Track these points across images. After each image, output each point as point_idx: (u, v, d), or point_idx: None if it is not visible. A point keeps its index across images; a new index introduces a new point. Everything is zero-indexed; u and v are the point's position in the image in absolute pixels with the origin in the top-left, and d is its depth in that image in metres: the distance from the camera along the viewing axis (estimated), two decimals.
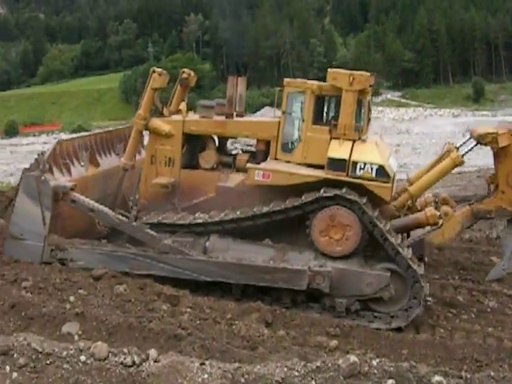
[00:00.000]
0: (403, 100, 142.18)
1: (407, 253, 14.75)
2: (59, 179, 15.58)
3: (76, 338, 11.47)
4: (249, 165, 15.79)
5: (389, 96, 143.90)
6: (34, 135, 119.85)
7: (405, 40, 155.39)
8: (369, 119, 16.29)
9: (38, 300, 12.61)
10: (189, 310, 13.38)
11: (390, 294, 14.59)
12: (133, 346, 10.25)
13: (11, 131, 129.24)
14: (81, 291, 13.48)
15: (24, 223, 15.18)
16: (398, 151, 66.89)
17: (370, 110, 16.34)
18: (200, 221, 15.60)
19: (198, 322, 12.73)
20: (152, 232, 15.33)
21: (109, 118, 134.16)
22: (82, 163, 16.77)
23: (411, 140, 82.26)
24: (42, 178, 15.04)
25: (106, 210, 15.54)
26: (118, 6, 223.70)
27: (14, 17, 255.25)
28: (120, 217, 15.57)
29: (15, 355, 9.44)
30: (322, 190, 14.69)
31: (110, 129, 19.54)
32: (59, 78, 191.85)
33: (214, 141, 17.19)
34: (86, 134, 18.15)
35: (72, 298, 12.96)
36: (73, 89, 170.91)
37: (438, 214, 15.77)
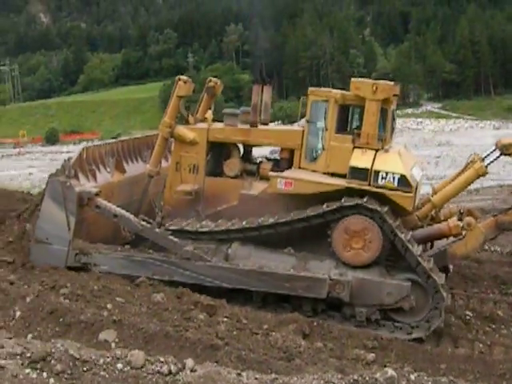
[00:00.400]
0: (443, 111, 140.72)
1: (428, 263, 14.63)
2: (84, 185, 15.76)
3: (113, 345, 11.47)
4: (271, 173, 15.85)
5: (429, 107, 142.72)
6: (74, 143, 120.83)
7: (446, 51, 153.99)
8: (393, 128, 16.21)
9: (75, 307, 12.66)
10: (226, 319, 13.33)
11: (410, 304, 14.50)
12: (169, 355, 10.20)
13: (52, 139, 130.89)
14: (118, 299, 13.52)
15: (49, 227, 15.38)
16: (438, 163, 66.35)
17: (394, 119, 16.26)
18: (222, 228, 15.66)
19: (234, 333, 12.68)
20: (174, 238, 15.41)
21: (149, 127, 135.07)
22: (109, 169, 16.95)
23: (451, 152, 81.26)
24: (68, 183, 15.23)
25: (129, 215, 15.66)
26: (159, 16, 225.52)
27: (57, 26, 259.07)
28: (143, 223, 15.69)
29: (53, 361, 9.44)
30: (343, 199, 14.66)
31: (138, 136, 19.68)
32: (100, 87, 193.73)
33: (239, 149, 17.24)
34: (114, 140, 18.40)
35: (109, 306, 13.00)
36: (113, 97, 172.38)
37: (461, 224, 15.54)
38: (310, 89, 16.29)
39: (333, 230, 14.90)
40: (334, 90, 16.14)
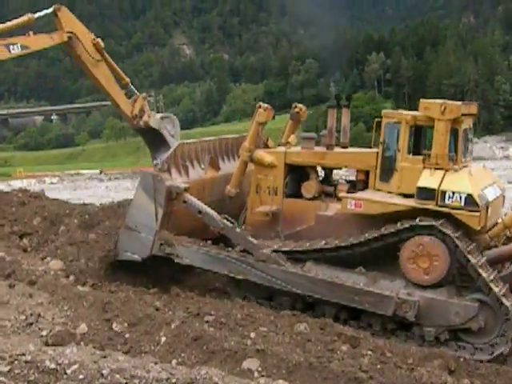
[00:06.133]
0: None
1: (500, 288, 14.42)
2: (176, 179, 16.61)
3: (256, 374, 11.48)
4: (342, 194, 16.29)
5: None
6: None
7: None
8: (467, 148, 16.16)
9: (219, 335, 12.78)
10: (369, 352, 13.14)
11: (478, 325, 14.36)
12: None
13: None
14: (262, 328, 13.60)
15: (139, 216, 16.45)
16: None
17: (468, 139, 16.23)
18: (300, 248, 16.14)
19: (378, 366, 12.44)
20: (252, 239, 16.10)
21: None
22: (203, 166, 17.54)
23: None
24: (159, 176, 16.27)
25: (212, 213, 16.45)
26: (301, 46, 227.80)
27: (200, 58, 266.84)
28: (225, 221, 16.41)
29: None
30: (417, 219, 14.73)
31: (236, 135, 20.18)
32: (242, 117, 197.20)
33: (317, 171, 17.71)
34: (211, 138, 19.05)
35: (253, 335, 13.08)
36: None
37: None
38: (384, 111, 16.63)
39: (402, 248, 14.97)
40: (406, 112, 16.36)
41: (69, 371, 9.50)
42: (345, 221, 15.98)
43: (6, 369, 9.18)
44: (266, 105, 17.71)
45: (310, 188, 17.21)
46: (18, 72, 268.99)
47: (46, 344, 11.66)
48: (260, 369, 11.66)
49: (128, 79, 20.60)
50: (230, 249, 16.47)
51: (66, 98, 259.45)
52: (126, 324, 13.21)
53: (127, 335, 12.85)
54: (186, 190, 16.34)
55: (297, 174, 17.57)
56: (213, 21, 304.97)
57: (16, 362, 9.58)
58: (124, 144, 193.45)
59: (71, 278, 16.28)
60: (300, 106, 19.35)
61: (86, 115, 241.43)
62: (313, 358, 12.12)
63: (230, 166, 18.75)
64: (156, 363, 10.80)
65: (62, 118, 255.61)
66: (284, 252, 16.21)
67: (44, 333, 12.36)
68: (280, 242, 16.72)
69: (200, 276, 18.36)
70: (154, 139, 19.96)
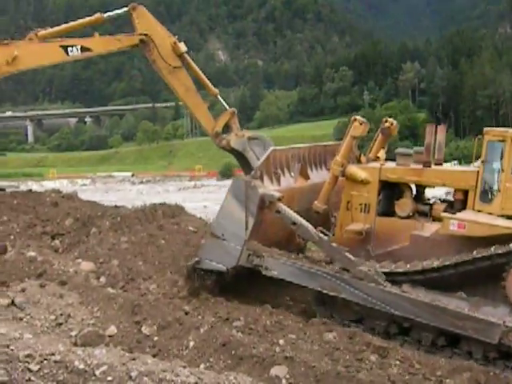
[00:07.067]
0: None
1: None
2: (268, 187, 15.81)
3: (284, 381, 11.41)
4: (443, 214, 15.37)
5: None
6: None
7: None
8: None
9: (248, 340, 12.73)
10: (398, 362, 12.99)
11: None
12: None
13: (227, 173, 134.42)
14: (291, 335, 13.53)
15: (227, 224, 15.58)
16: None
17: None
18: (400, 270, 15.29)
19: (407, 377, 12.31)
20: (350, 255, 15.14)
21: None
22: (293, 174, 16.99)
23: None
24: (252, 183, 15.33)
25: (307, 225, 15.46)
26: (335, 54, 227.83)
27: (234, 63, 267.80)
28: (320, 235, 15.49)
29: None
30: None
31: (326, 143, 19.69)
32: (275, 123, 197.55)
33: (411, 189, 16.89)
34: (301, 145, 18.34)
35: (282, 342, 13.01)
36: (288, 134, 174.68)
37: None
38: (486, 129, 15.68)
39: (508, 273, 14.16)
40: (511, 130, 15.46)
41: (97, 372, 9.51)
42: (443, 242, 15.23)
43: (36, 368, 9.21)
44: (362, 118, 16.95)
45: (404, 206, 16.49)
46: (53, 74, 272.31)
47: (75, 344, 11.71)
48: (288, 376, 11.59)
49: (216, 90, 19.14)
50: (323, 263, 15.74)
51: (99, 101, 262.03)
52: (155, 327, 13.22)
53: (156, 338, 12.87)
54: (279, 199, 15.44)
55: (390, 191, 16.88)
56: (248, 27, 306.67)
57: (45, 361, 9.60)
58: (156, 147, 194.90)
59: (102, 279, 16.32)
60: (391, 120, 18.48)
61: (120, 118, 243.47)
62: (341, 366, 12.03)
63: (317, 176, 18.00)
64: (184, 367, 10.78)
65: (96, 120, 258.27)
66: (383, 272, 15.34)
67: (73, 333, 12.41)
68: (374, 261, 15.94)
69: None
70: (241, 161, 19.05)
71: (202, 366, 11.83)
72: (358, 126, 16.68)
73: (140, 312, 13.83)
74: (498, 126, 17.93)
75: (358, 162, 17.17)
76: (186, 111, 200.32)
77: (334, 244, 15.44)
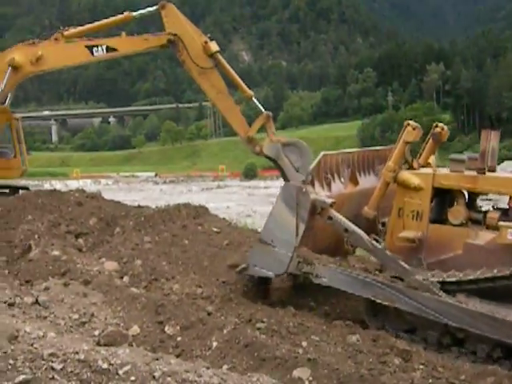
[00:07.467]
0: None
1: None
2: (319, 193, 15.62)
3: (306, 383, 11.40)
4: (501, 223, 14.76)
5: None
6: (272, 179, 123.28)
7: None
8: None
9: (271, 342, 12.66)
10: (421, 366, 12.86)
11: None
12: None
13: (250, 174, 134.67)
14: (313, 337, 13.42)
15: (276, 231, 15.19)
16: None
17: None
18: (453, 279, 14.68)
19: (430, 381, 12.17)
20: (404, 264, 14.66)
21: None
22: (343, 179, 16.70)
23: None
24: (303, 189, 14.98)
25: (360, 232, 15.07)
26: (359, 55, 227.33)
27: (258, 64, 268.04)
28: (374, 242, 15.31)
29: None
30: None
31: (376, 148, 19.47)
32: (299, 124, 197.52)
33: (464, 196, 16.57)
34: (350, 150, 17.96)
35: (304, 343, 12.91)
36: (312, 135, 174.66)
37: None
38: None
39: None
40: None
41: (121, 372, 9.50)
42: (499, 251, 14.70)
43: (60, 366, 9.20)
44: (415, 123, 16.40)
45: (458, 214, 15.88)
46: (78, 74, 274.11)
47: (98, 344, 11.70)
48: (311, 378, 11.51)
49: (251, 92, 18.26)
50: (377, 272, 15.35)
51: (123, 101, 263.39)
52: (178, 327, 13.19)
53: (179, 338, 12.83)
54: (331, 205, 14.98)
55: (443, 198, 16.42)
56: (272, 27, 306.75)
57: (69, 360, 9.60)
58: (180, 148, 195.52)
59: (125, 279, 16.33)
60: (441, 125, 17.87)
61: (143, 118, 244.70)
62: (364, 369, 11.93)
63: (367, 181, 17.51)
64: (207, 368, 10.73)
65: (120, 120, 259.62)
66: (438, 282, 15.29)
67: (96, 332, 12.41)
68: (427, 270, 15.81)
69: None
70: (277, 167, 18.53)
71: (224, 366, 11.78)
72: (411, 130, 16.27)
73: (163, 312, 13.82)
74: None
75: (411, 167, 16.83)
76: (210, 112, 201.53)
77: (388, 252, 15.16)
